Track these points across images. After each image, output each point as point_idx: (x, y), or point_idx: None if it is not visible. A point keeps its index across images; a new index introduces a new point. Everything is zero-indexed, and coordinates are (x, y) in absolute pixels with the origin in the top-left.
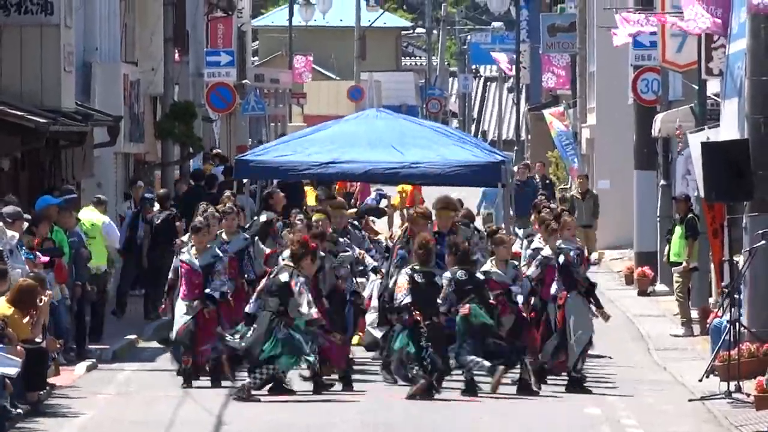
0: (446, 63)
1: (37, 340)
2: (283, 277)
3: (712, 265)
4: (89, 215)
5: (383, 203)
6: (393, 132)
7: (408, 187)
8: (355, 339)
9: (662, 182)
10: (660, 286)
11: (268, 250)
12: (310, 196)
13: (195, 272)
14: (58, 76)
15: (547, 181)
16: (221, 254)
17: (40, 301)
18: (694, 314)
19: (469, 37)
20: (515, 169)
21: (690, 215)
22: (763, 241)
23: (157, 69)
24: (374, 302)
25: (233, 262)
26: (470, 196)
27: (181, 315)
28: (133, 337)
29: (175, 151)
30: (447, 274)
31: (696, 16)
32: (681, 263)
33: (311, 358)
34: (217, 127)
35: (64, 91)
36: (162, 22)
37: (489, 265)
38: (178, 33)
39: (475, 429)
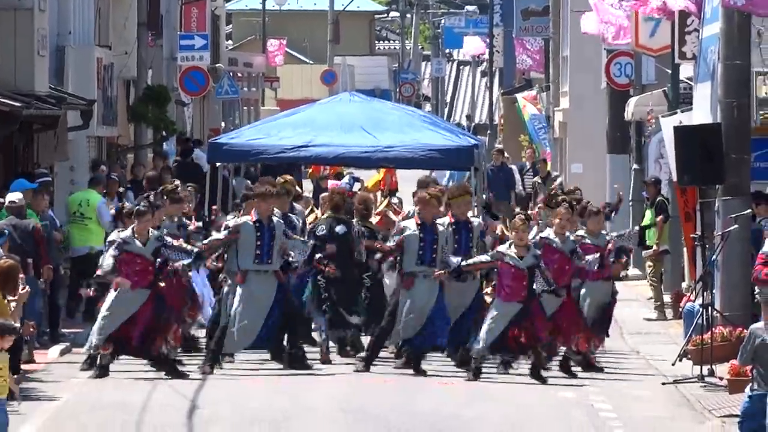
0: (420, 47)
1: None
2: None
3: (685, 249)
4: (86, 195)
5: (356, 187)
6: (366, 116)
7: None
8: None
9: (635, 166)
10: (633, 271)
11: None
12: None
13: (146, 260)
14: (31, 59)
15: (537, 167)
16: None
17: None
18: (667, 298)
19: (442, 21)
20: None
21: (660, 198)
22: (735, 225)
23: (130, 53)
24: None
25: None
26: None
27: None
28: None
29: (148, 134)
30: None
31: None
32: (651, 247)
33: None
34: (189, 111)
35: (38, 74)
36: (136, 6)
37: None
38: (151, 17)
39: (447, 411)
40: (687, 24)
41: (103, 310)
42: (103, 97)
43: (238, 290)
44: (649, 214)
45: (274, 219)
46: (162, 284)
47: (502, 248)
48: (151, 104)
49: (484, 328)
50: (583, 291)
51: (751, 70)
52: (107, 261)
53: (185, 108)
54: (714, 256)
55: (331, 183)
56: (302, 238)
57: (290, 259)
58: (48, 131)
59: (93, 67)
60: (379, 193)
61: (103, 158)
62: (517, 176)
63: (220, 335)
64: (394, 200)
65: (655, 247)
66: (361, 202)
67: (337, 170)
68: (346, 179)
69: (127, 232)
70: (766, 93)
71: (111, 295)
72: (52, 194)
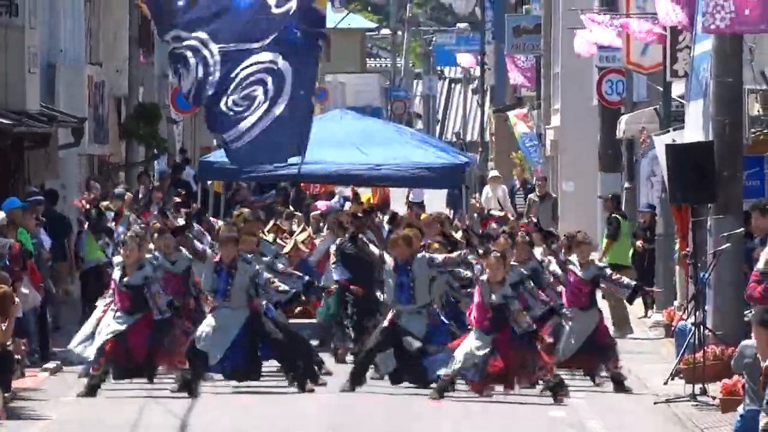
0: (411, 64)
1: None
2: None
3: (677, 267)
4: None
5: (347, 206)
6: (358, 134)
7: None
8: None
9: (627, 184)
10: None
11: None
12: None
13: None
14: (22, 77)
15: (528, 186)
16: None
17: (13, 303)
18: (660, 317)
19: (434, 39)
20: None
21: (613, 214)
22: (728, 244)
23: (121, 70)
24: None
25: (179, 279)
26: (435, 198)
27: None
28: None
29: (139, 152)
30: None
31: (668, 12)
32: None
33: None
34: (180, 128)
35: (29, 92)
36: (127, 23)
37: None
38: (143, 34)
39: (438, 429)
40: (678, 42)
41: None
42: (94, 115)
43: (208, 316)
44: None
45: (239, 263)
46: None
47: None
48: (142, 122)
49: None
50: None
51: (743, 88)
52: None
53: (176, 125)
54: (706, 275)
55: (322, 204)
56: (297, 273)
57: (281, 290)
58: (39, 149)
59: (84, 84)
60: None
61: (95, 176)
62: (507, 197)
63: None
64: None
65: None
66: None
67: (328, 189)
68: (336, 198)
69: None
70: (758, 111)
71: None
72: (49, 212)
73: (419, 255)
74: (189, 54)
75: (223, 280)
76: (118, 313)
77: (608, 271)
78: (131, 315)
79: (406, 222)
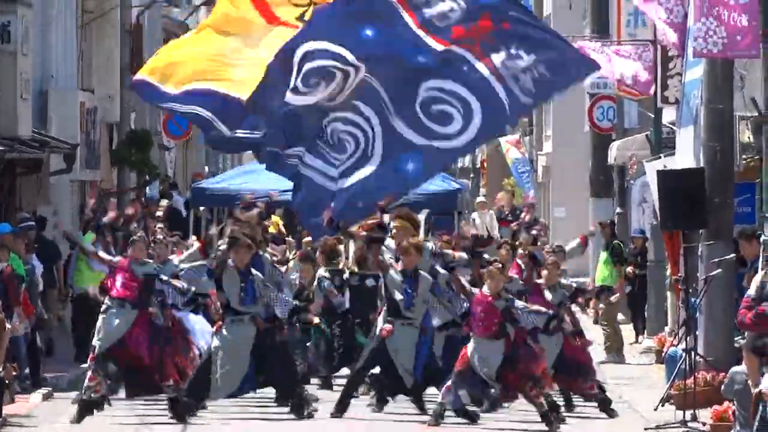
0: None
1: None
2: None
3: (668, 293)
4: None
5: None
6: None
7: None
8: None
9: (618, 210)
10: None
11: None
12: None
13: (135, 278)
14: (14, 103)
15: (517, 212)
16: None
17: (4, 329)
18: (651, 342)
19: None
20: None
21: (615, 241)
22: (719, 270)
23: (113, 96)
24: None
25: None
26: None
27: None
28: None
29: (131, 178)
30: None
31: (665, 31)
32: (609, 287)
33: None
34: (171, 155)
35: (21, 118)
36: (119, 50)
37: None
38: (135, 61)
39: None
40: (669, 68)
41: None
42: (86, 141)
43: (216, 336)
44: (604, 256)
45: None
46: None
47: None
48: (133, 148)
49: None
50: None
51: (734, 114)
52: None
53: (168, 152)
54: (697, 301)
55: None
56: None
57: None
58: (31, 175)
59: (76, 110)
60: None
61: (86, 203)
62: (495, 222)
63: (197, 381)
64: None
65: (616, 289)
66: (326, 248)
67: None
68: None
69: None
70: (748, 137)
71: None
72: (38, 238)
73: (427, 259)
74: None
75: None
76: (114, 311)
77: (573, 286)
78: (133, 309)
79: (404, 214)
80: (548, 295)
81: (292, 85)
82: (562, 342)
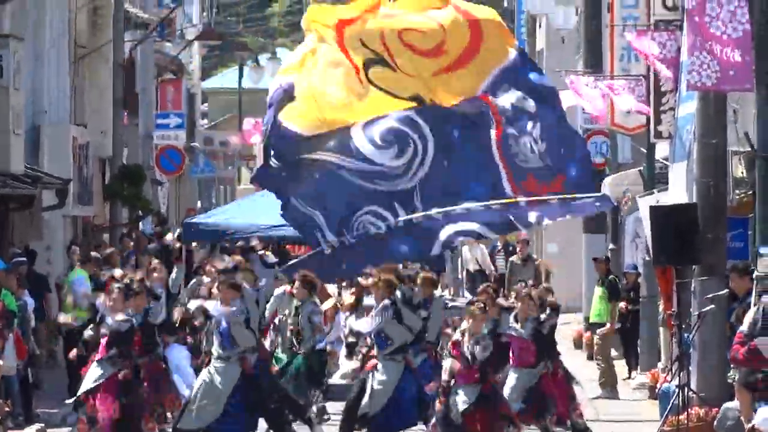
0: None
1: None
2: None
3: (661, 329)
4: (73, 272)
5: None
6: None
7: None
8: None
9: (611, 246)
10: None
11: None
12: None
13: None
14: (6, 138)
15: (510, 248)
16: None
17: None
18: (644, 378)
19: None
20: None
21: (611, 276)
22: (712, 306)
23: (106, 131)
24: None
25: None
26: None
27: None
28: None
29: (123, 214)
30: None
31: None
32: (602, 324)
33: None
34: (165, 190)
35: (13, 153)
36: (111, 85)
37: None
38: (127, 95)
39: None
40: (662, 103)
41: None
42: (78, 176)
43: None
44: (599, 291)
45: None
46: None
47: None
48: (126, 183)
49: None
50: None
51: (727, 149)
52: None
53: (161, 187)
54: (690, 336)
55: None
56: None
57: None
58: (24, 210)
59: (68, 146)
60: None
61: (79, 238)
62: (487, 257)
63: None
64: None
65: (608, 326)
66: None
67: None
68: None
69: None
70: (742, 172)
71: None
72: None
73: (437, 295)
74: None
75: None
76: (97, 363)
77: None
78: (110, 365)
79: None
80: (521, 331)
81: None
82: (539, 378)
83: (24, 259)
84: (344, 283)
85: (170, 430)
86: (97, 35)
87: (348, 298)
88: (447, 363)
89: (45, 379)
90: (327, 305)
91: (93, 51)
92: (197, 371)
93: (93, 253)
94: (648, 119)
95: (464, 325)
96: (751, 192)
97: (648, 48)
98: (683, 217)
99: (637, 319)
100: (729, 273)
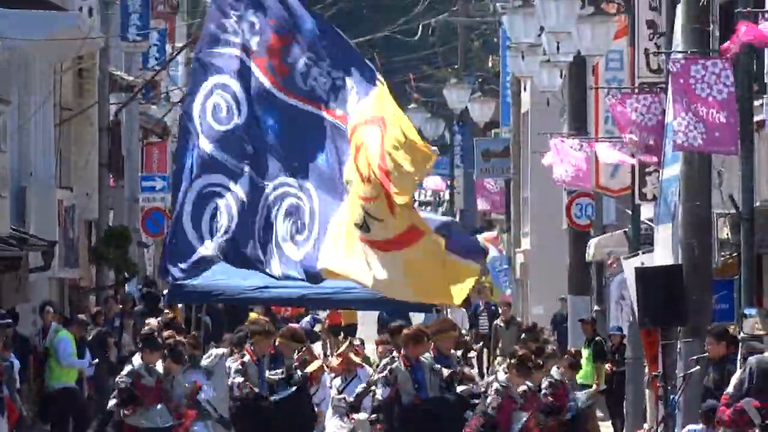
0: None
1: None
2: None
3: (647, 390)
4: (59, 333)
5: (317, 327)
6: None
7: None
8: None
9: (596, 307)
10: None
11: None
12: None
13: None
14: None
15: (493, 308)
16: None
17: None
18: None
19: None
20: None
21: (597, 338)
22: (698, 367)
23: (92, 194)
24: None
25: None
26: (367, 320)
27: None
28: None
29: (109, 276)
30: None
31: (636, 132)
32: (588, 385)
33: None
34: (149, 252)
35: None
36: (97, 148)
37: None
38: (113, 158)
39: None
40: (647, 165)
41: None
42: (64, 239)
43: None
44: (585, 353)
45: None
46: None
47: None
48: (112, 246)
49: None
50: None
51: (711, 212)
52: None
53: (146, 249)
54: (676, 397)
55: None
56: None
57: None
58: (10, 272)
59: (54, 208)
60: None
61: (66, 300)
62: (466, 319)
63: None
64: (356, 341)
65: (595, 387)
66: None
67: (297, 311)
68: (307, 318)
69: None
70: (727, 234)
71: None
72: (17, 337)
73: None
74: None
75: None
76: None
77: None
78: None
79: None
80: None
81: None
82: None
83: (10, 320)
84: (330, 344)
85: None
86: (82, 98)
87: (335, 360)
88: None
89: None
90: (313, 366)
91: (78, 113)
92: None
93: (80, 316)
94: (633, 181)
95: None
96: (736, 254)
97: (627, 116)
98: (669, 279)
99: (622, 380)
100: (707, 335)
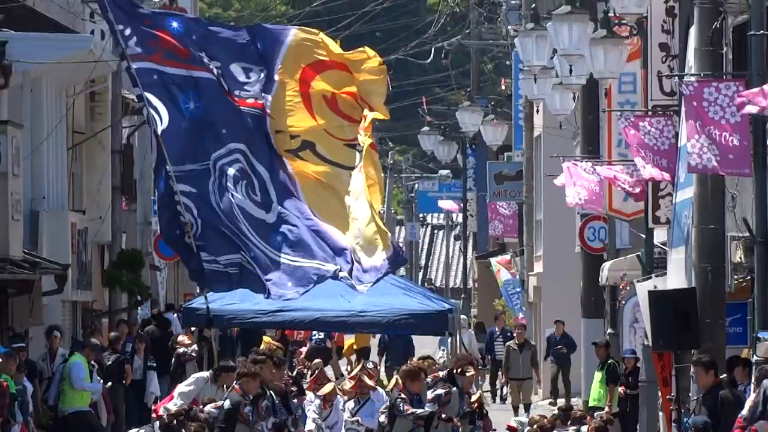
0: (393, 211)
1: None
2: None
3: (661, 414)
4: (72, 358)
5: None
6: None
7: None
8: None
9: (610, 331)
10: None
11: None
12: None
13: None
14: (5, 224)
15: (509, 334)
16: None
17: None
18: None
19: (416, 185)
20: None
21: (610, 360)
22: None
23: (104, 217)
24: None
25: None
26: (426, 344)
27: None
28: None
29: (122, 299)
30: None
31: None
32: (601, 408)
33: None
34: (162, 275)
35: (12, 239)
36: (110, 171)
37: None
38: (125, 181)
39: None
40: (660, 188)
41: None
42: (77, 262)
43: None
44: (599, 376)
45: None
46: None
47: None
48: (125, 269)
49: None
50: None
51: (725, 235)
52: None
53: (159, 272)
54: (689, 421)
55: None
56: None
57: None
58: (23, 295)
59: (67, 231)
60: (353, 357)
61: (78, 323)
62: (474, 343)
63: None
64: (369, 365)
65: (607, 410)
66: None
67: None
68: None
69: None
70: (740, 258)
71: None
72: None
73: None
74: None
75: None
76: None
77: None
78: None
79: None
80: None
81: None
82: None
83: (23, 344)
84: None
85: None
86: (94, 121)
87: (347, 383)
88: None
89: None
90: (326, 389)
91: (91, 137)
92: None
93: (93, 340)
94: (646, 205)
95: None
96: (749, 277)
97: (640, 140)
98: (682, 302)
99: (636, 403)
100: (693, 366)
